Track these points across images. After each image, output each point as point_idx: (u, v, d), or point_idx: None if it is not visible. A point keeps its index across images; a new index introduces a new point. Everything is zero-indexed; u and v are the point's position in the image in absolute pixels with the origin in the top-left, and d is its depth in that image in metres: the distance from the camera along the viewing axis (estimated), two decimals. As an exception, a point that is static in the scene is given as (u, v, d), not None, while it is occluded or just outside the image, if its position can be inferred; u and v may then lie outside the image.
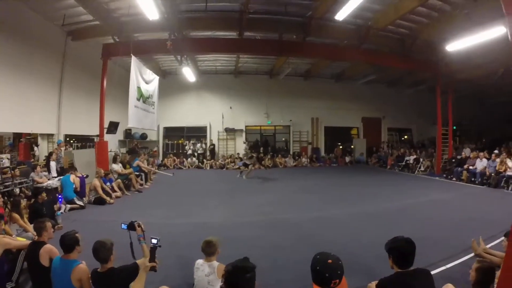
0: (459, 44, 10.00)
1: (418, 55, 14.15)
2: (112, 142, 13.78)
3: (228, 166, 17.94)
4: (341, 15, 8.97)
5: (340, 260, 1.86)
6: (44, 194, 6.52)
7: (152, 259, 2.90)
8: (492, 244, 5.08)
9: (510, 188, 10.45)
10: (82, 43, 11.91)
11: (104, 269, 2.98)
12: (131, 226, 3.28)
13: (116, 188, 9.77)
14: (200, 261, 3.44)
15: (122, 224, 3.31)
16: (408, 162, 16.59)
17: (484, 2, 8.43)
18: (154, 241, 2.92)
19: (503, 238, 4.19)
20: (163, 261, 3.04)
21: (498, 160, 11.54)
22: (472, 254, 4.71)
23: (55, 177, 9.03)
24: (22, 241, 4.08)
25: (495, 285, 2.86)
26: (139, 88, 11.46)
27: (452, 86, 15.77)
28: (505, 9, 2.80)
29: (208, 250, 3.40)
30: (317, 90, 20.71)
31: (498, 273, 2.91)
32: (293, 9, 10.99)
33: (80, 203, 8.23)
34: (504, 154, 11.76)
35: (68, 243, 3.13)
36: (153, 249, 2.92)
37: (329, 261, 1.85)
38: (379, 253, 4.70)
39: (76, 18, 10.60)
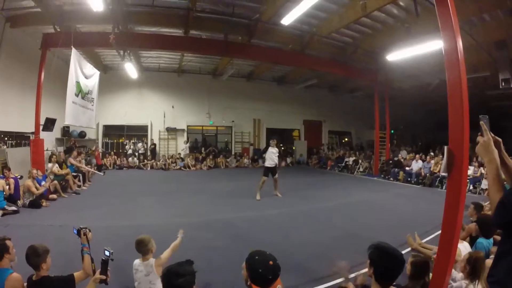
0: (398, 55, 10.75)
1: (358, 63, 15.15)
2: (49, 140, 12.78)
3: (169, 167, 17.58)
4: (287, 20, 9.13)
5: (277, 259, 1.88)
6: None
7: (103, 271, 2.74)
8: (427, 238, 5.61)
9: (443, 187, 11.49)
10: (20, 31, 10.92)
11: (37, 277, 2.81)
12: (78, 232, 3.05)
13: (51, 189, 9.18)
14: (137, 262, 3.37)
15: (73, 229, 3.08)
16: (347, 163, 17.63)
17: (424, 17, 9.12)
18: (107, 253, 2.74)
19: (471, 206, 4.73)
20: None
21: (433, 161, 12.83)
22: (408, 249, 5.05)
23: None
24: None
25: (430, 276, 3.14)
26: (78, 83, 10.74)
27: (389, 93, 17.04)
28: (441, 25, 3.16)
29: (142, 249, 3.34)
30: (259, 92, 21.16)
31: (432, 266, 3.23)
32: (240, 11, 11.09)
33: (13, 208, 7.54)
34: (440, 156, 13.05)
35: None
36: (105, 261, 2.75)
37: (270, 262, 1.85)
38: (311, 252, 5.11)
39: (16, 3, 9.68)
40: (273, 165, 9.90)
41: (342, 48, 13.90)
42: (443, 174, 11.27)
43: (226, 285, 4.03)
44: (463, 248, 3.92)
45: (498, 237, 4.58)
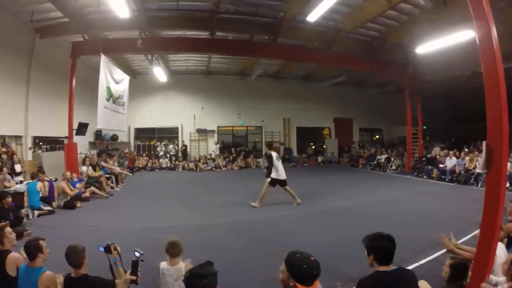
0: (427, 47, 10.33)
1: (386, 57, 14.65)
2: (82, 144, 13.33)
3: (200, 167, 17.81)
4: (313, 16, 9.05)
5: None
6: (9, 199, 6.20)
7: (134, 272, 2.80)
8: (463, 239, 5.25)
9: (479, 185, 10.86)
10: (50, 41, 11.44)
11: (77, 274, 2.87)
12: (107, 249, 3.10)
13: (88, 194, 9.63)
14: (164, 265, 3.30)
15: (99, 247, 3.12)
16: (379, 161, 17.12)
17: (452, 7, 8.74)
18: (137, 254, 2.81)
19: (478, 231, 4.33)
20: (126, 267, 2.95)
21: (467, 158, 12.16)
22: (443, 250, 4.80)
23: (22, 181, 8.63)
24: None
25: (468, 280, 2.95)
26: (108, 88, 11.15)
27: (419, 88, 16.37)
28: (473, 13, 2.94)
29: (173, 251, 3.29)
30: (287, 90, 21.05)
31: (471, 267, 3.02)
32: (264, 10, 11.05)
33: (48, 208, 7.90)
34: (476, 152, 12.36)
35: (30, 250, 3.00)
36: (136, 262, 2.82)
37: (312, 258, 1.90)
38: (340, 252, 4.92)
39: (44, 15, 10.17)
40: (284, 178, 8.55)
41: (369, 42, 13.50)
42: (481, 171, 10.75)
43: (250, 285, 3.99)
44: (499, 249, 3.62)
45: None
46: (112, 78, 11.43)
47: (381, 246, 2.29)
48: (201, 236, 5.97)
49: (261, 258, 4.81)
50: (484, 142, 2.84)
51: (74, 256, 2.85)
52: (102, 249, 3.09)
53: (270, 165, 8.42)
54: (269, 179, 8.40)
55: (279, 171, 8.41)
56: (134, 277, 2.80)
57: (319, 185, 12.14)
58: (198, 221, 7.23)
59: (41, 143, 12.43)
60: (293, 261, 1.90)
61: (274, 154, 8.59)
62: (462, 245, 4.87)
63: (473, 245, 4.33)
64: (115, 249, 3.11)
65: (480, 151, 11.33)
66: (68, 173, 9.18)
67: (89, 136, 15.51)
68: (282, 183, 8.49)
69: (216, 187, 12.39)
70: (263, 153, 20.27)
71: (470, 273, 3.02)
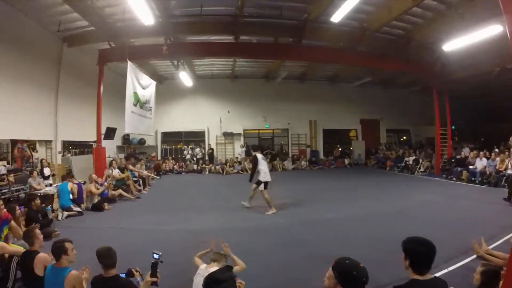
0: (454, 44, 9.97)
1: (413, 56, 14.19)
2: (110, 147, 13.75)
3: (227, 170, 17.91)
4: (337, 17, 8.95)
5: None
6: (37, 201, 6.46)
7: (153, 274, 2.87)
8: (494, 245, 5.01)
9: (511, 187, 10.36)
10: (77, 49, 11.90)
11: (108, 274, 2.95)
12: (129, 273, 3.20)
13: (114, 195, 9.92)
14: (203, 266, 3.40)
15: (121, 274, 3.18)
16: (407, 163, 16.59)
17: (479, 1, 8.40)
18: (155, 256, 2.88)
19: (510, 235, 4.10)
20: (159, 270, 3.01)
21: (498, 159, 11.55)
22: (473, 256, 4.60)
23: (52, 184, 9.00)
24: (17, 248, 4.05)
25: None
26: (135, 93, 11.46)
27: (447, 86, 15.77)
28: (503, 8, 2.78)
29: (216, 258, 3.43)
30: (313, 92, 20.78)
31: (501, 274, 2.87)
32: (288, 12, 10.96)
33: (78, 209, 8.18)
34: (506, 153, 11.72)
35: (55, 251, 3.12)
36: (155, 264, 2.88)
37: (361, 265, 1.90)
38: (377, 258, 4.73)
39: (71, 24, 10.58)
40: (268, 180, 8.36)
41: (395, 41, 13.04)
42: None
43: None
44: None
45: None
46: (139, 83, 11.75)
47: (419, 253, 2.21)
48: (229, 239, 5.96)
49: (296, 263, 4.81)
50: None
51: (109, 257, 2.95)
52: (124, 275, 3.15)
53: (254, 168, 8.36)
54: (255, 185, 8.34)
55: (265, 173, 8.29)
56: (154, 279, 2.87)
57: (346, 189, 11.94)
58: (226, 224, 7.25)
59: (70, 147, 12.94)
60: (343, 268, 1.88)
61: (259, 156, 8.46)
62: (494, 251, 4.63)
63: (505, 250, 4.10)
64: (136, 271, 3.20)
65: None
66: (94, 175, 9.56)
67: (117, 140, 16.01)
68: (265, 185, 8.31)
69: (243, 190, 12.36)
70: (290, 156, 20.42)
71: (501, 281, 2.83)
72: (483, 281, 2.86)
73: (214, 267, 3.27)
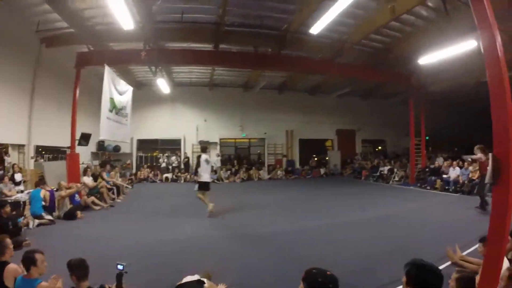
0: (431, 58, 10.30)
1: (391, 68, 14.70)
2: (85, 154, 13.32)
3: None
4: (316, 29, 9.02)
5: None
6: (8, 208, 6.11)
7: (119, 285, 2.80)
8: (468, 251, 5.14)
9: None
10: (55, 51, 11.55)
11: (81, 287, 2.86)
12: None
13: (91, 204, 9.59)
14: (188, 278, 3.34)
15: None
16: (382, 172, 16.99)
17: (455, 17, 8.79)
18: (120, 267, 2.80)
19: (478, 244, 4.21)
20: (133, 278, 2.91)
21: (471, 168, 12.02)
22: (448, 263, 4.69)
23: (23, 191, 8.59)
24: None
25: None
26: (112, 99, 11.15)
27: (424, 98, 16.37)
28: (477, 23, 2.93)
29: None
30: (292, 103, 21.07)
31: (477, 280, 2.93)
32: (269, 22, 11.11)
33: (49, 217, 7.82)
34: (469, 162, 12.24)
35: (25, 262, 3.03)
36: (119, 275, 2.81)
37: (328, 272, 1.90)
38: (345, 266, 4.79)
39: (50, 25, 10.30)
40: (208, 180, 8.72)
41: (373, 54, 13.53)
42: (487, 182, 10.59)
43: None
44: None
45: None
46: (116, 89, 11.46)
47: (425, 282, 2.09)
48: (205, 248, 5.90)
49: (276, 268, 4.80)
50: (490, 154, 2.78)
51: (82, 268, 2.87)
52: None
53: (197, 167, 8.66)
54: (196, 188, 8.64)
55: (204, 174, 8.58)
56: None
57: (323, 198, 12.02)
58: (201, 233, 7.10)
59: (43, 152, 12.41)
60: (310, 277, 1.90)
61: (203, 157, 8.71)
62: (468, 257, 4.77)
63: (479, 257, 4.23)
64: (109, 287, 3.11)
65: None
66: (64, 182, 9.23)
67: (92, 147, 15.50)
68: (204, 186, 8.60)
69: (219, 199, 12.25)
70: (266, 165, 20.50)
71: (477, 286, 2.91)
72: (458, 287, 2.87)
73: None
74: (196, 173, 8.71)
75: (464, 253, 4.97)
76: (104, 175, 11.54)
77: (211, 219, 8.39)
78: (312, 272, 1.92)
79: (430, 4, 9.51)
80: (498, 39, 2.80)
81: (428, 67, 12.30)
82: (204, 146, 9.81)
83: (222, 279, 2.56)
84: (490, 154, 2.79)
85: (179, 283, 2.19)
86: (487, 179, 2.91)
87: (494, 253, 2.79)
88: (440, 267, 4.44)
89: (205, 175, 8.61)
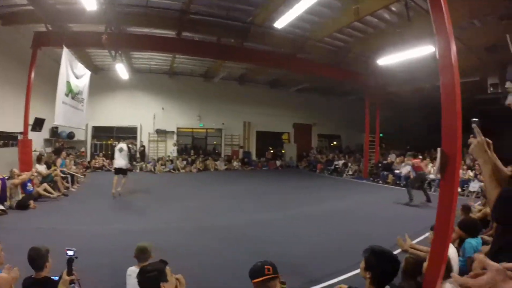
0: (389, 59, 10.84)
1: (350, 66, 15.30)
2: (37, 140, 12.51)
3: (159, 169, 17.46)
4: (280, 23, 9.08)
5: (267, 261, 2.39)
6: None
7: (69, 271, 2.72)
8: (418, 239, 5.67)
9: (432, 189, 11.75)
10: (12, 29, 10.68)
11: (39, 276, 2.84)
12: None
13: (43, 192, 9.11)
14: (132, 268, 3.35)
15: (54, 278, 2.98)
16: (337, 166, 17.75)
17: (416, 23, 9.22)
18: (70, 252, 2.72)
19: (429, 232, 4.56)
20: (88, 272, 2.95)
21: (422, 164, 12.98)
22: (399, 250, 5.12)
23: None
24: None
25: (423, 276, 3.13)
26: (68, 82, 10.60)
27: (380, 98, 17.22)
28: (435, 30, 3.16)
29: (142, 256, 3.36)
30: (251, 95, 21.23)
31: (425, 266, 3.19)
32: (234, 14, 11.10)
33: (1, 207, 7.40)
34: (427, 159, 13.21)
35: None
36: (70, 260, 2.73)
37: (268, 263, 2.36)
38: (305, 253, 5.12)
39: (9, 1, 9.53)
40: (120, 166, 10.11)
41: (334, 51, 13.96)
42: (433, 176, 11.55)
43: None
44: (451, 250, 3.93)
45: (486, 237, 4.67)
46: (73, 72, 10.91)
47: (383, 270, 2.22)
48: (165, 239, 5.91)
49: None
50: (439, 149, 2.97)
51: (38, 258, 2.83)
52: (57, 278, 2.91)
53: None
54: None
55: (116, 161, 10.22)
56: (72, 277, 2.72)
57: (280, 189, 12.36)
58: (157, 225, 7.09)
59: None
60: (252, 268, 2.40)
61: (118, 146, 10.30)
62: (417, 245, 5.22)
63: (427, 245, 4.69)
64: None
65: (434, 158, 12.21)
66: (16, 170, 8.77)
67: (45, 133, 14.56)
68: (118, 171, 10.06)
69: (177, 189, 12.21)
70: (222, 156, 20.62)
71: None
72: (405, 267, 3.20)
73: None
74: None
75: (414, 241, 5.47)
76: (59, 162, 11.03)
77: (169, 210, 8.53)
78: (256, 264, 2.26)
79: (393, 8, 9.91)
80: (453, 47, 3.02)
81: (386, 68, 12.89)
82: (124, 137, 11.01)
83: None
84: (438, 149, 2.98)
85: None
86: (435, 172, 3.17)
87: (440, 240, 3.01)
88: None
89: (117, 162, 10.12)
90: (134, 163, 17.55)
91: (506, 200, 1.54)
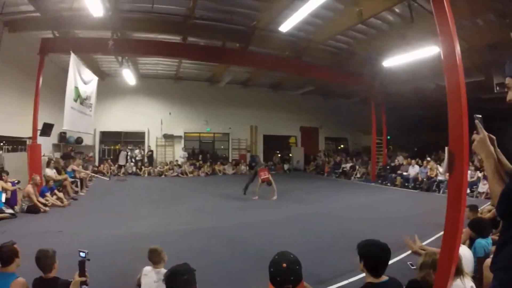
0: (394, 61, 10.85)
1: (353, 68, 15.28)
2: (46, 145, 12.67)
3: (166, 173, 17.57)
4: (285, 27, 9.17)
5: (299, 265, 1.81)
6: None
7: (81, 273, 2.73)
8: (428, 241, 5.62)
9: (441, 191, 11.64)
10: (19, 36, 10.85)
11: (48, 277, 2.92)
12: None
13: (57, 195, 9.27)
14: (148, 268, 3.42)
15: None
16: (344, 169, 17.69)
17: (419, 24, 9.19)
18: (82, 254, 2.73)
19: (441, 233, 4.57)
20: (95, 275, 2.97)
21: (429, 166, 12.91)
22: (408, 252, 5.08)
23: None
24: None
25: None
26: (76, 88, 10.78)
27: (385, 99, 17.13)
28: (439, 30, 3.17)
29: (154, 258, 3.42)
30: (256, 98, 21.32)
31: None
32: (238, 18, 11.16)
33: (10, 211, 7.52)
34: (432, 161, 13.16)
35: (7, 255, 2.92)
36: (82, 263, 2.74)
37: (284, 265, 1.78)
38: (310, 255, 5.08)
39: (15, 8, 9.65)
40: None
41: (338, 54, 13.96)
42: (441, 178, 11.46)
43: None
44: (464, 249, 3.90)
45: (496, 238, 4.62)
46: (81, 78, 11.08)
47: (374, 256, 2.33)
48: (168, 242, 5.85)
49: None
50: (446, 148, 3.01)
51: (45, 260, 2.89)
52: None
53: None
54: None
55: None
56: (83, 278, 2.73)
57: (289, 191, 12.36)
58: (165, 228, 7.11)
59: (2, 144, 11.72)
60: (270, 261, 1.84)
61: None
62: (427, 246, 5.15)
63: (437, 246, 4.66)
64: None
65: (442, 160, 12.14)
66: (38, 177, 8.74)
67: (53, 138, 14.76)
68: None
69: (184, 194, 12.25)
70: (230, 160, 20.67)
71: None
72: (424, 260, 3.16)
73: (161, 268, 3.37)
74: None
75: (424, 243, 5.38)
76: (74, 167, 11.27)
77: (173, 213, 8.59)
78: (275, 257, 1.85)
79: (397, 10, 9.88)
80: (457, 47, 3.04)
81: (391, 69, 12.86)
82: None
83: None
84: (446, 148, 3.02)
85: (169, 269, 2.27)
86: (443, 171, 3.17)
87: (450, 240, 3.01)
88: (401, 256, 4.95)
89: None
90: (143, 167, 17.74)
91: (510, 195, 1.53)
